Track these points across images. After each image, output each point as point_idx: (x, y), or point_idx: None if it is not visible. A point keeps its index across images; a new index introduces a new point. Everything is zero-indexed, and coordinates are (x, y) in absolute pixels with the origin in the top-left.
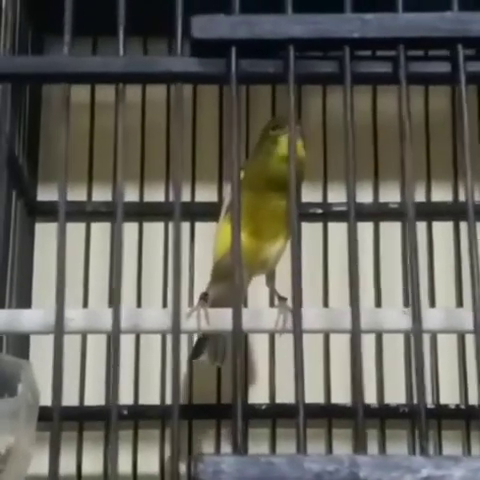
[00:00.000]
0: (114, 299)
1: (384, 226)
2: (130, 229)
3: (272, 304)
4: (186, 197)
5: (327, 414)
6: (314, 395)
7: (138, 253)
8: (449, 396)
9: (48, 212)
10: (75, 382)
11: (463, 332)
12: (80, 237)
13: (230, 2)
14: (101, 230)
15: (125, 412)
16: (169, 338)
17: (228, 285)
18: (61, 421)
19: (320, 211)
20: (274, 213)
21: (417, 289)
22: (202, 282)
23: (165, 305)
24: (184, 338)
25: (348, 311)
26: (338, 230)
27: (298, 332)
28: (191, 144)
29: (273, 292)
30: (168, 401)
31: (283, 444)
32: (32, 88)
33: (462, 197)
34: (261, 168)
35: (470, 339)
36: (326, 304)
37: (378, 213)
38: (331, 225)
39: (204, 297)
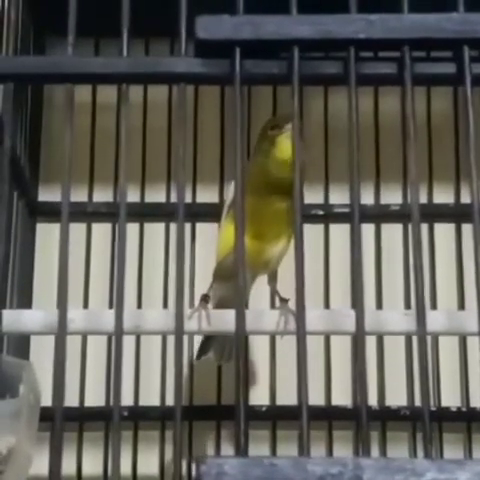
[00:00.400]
0: (117, 300)
1: (385, 228)
2: (131, 230)
3: (273, 305)
4: (187, 198)
5: (328, 416)
6: (315, 397)
7: (139, 254)
8: (450, 398)
9: (49, 212)
10: (75, 383)
11: (465, 334)
12: (81, 238)
13: (234, 3)
14: (102, 231)
15: (125, 413)
16: (170, 339)
17: (231, 286)
18: (61, 422)
19: (321, 212)
20: (275, 214)
21: (422, 292)
22: (203, 283)
23: (166, 306)
24: (185, 339)
25: (349, 313)
26: (339, 231)
27: (302, 334)
28: (193, 145)
29: (275, 293)
30: (168, 402)
31: (283, 446)
32: (34, 89)
33: (464, 199)
34: (260, 170)
35: (471, 341)
36: (327, 305)
37: (379, 215)
38: (332, 226)
39: (205, 298)
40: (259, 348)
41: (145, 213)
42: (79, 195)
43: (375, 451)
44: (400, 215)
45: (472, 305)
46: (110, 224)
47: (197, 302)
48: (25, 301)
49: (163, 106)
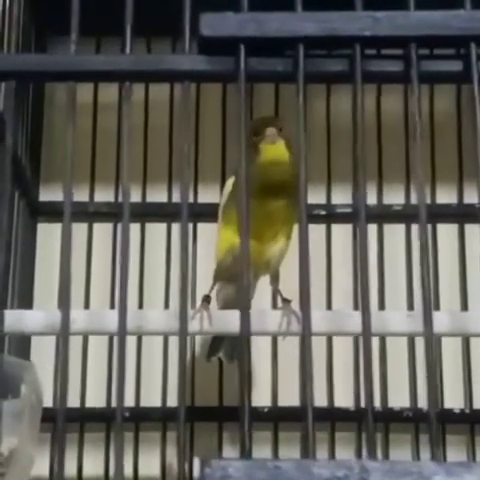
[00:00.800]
0: (120, 301)
1: (388, 228)
2: (132, 230)
3: (275, 305)
4: (189, 198)
5: (330, 417)
6: (317, 398)
7: (140, 254)
8: (454, 400)
9: (50, 212)
10: (76, 383)
11: (468, 335)
12: (82, 237)
13: (238, 0)
14: (103, 231)
15: (126, 414)
16: (171, 340)
17: (235, 287)
18: (64, 423)
19: (323, 213)
20: (271, 214)
21: (429, 293)
22: (205, 283)
23: (167, 306)
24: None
25: (352, 313)
26: (342, 232)
27: (307, 335)
28: (194, 144)
29: (277, 293)
30: (169, 403)
31: (285, 447)
32: (35, 88)
33: (467, 199)
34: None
35: (474, 342)
36: (329, 306)
37: (382, 215)
38: (334, 227)
39: (207, 299)
40: (261, 349)
41: (146, 213)
42: (80, 195)
43: (378, 453)
44: (403, 215)
45: (475, 306)
46: (111, 224)
47: (199, 302)
48: (26, 301)
49: (165, 105)
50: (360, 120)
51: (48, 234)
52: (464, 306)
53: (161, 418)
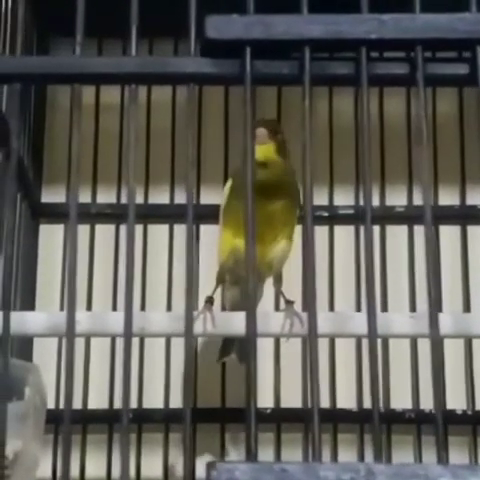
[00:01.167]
0: (126, 303)
1: (390, 229)
2: (135, 231)
3: (278, 307)
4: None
5: (333, 419)
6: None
7: (143, 255)
8: (456, 401)
9: (52, 214)
10: (79, 385)
11: (471, 337)
12: (85, 239)
13: (244, 2)
14: (105, 232)
15: (129, 415)
16: (174, 342)
17: (239, 288)
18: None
19: (326, 214)
20: (269, 216)
21: (435, 295)
22: (208, 285)
23: (170, 308)
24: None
25: (355, 315)
26: (344, 233)
27: (313, 336)
28: (197, 146)
29: (280, 295)
30: (172, 405)
31: (288, 448)
32: (37, 90)
33: (469, 201)
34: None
35: (477, 343)
36: (332, 307)
37: (385, 216)
38: (337, 228)
39: (210, 300)
40: (264, 350)
41: (149, 215)
42: (82, 196)
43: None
44: (405, 217)
45: (477, 307)
46: (114, 225)
47: (201, 304)
48: (28, 302)
49: (167, 106)
50: (366, 122)
51: (50, 235)
52: (466, 308)
53: (164, 419)
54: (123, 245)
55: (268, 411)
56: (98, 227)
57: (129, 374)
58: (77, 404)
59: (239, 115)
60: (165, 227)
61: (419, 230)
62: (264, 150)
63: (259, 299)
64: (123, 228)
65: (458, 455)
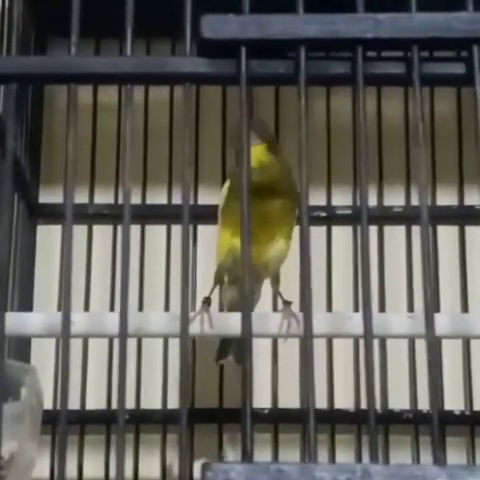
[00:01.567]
0: (121, 303)
1: (388, 230)
2: (132, 232)
3: (276, 307)
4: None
5: (330, 419)
6: (317, 400)
7: (140, 256)
8: (454, 402)
9: (50, 214)
10: (77, 385)
11: (469, 337)
12: (82, 239)
13: (240, 2)
14: (103, 233)
15: (127, 416)
16: (171, 342)
17: (237, 289)
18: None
19: (324, 214)
20: (266, 217)
21: (431, 295)
22: (205, 285)
23: (167, 308)
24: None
25: (352, 315)
26: (342, 233)
27: (308, 339)
28: (194, 146)
29: (277, 295)
30: (170, 405)
31: (285, 449)
32: (34, 90)
33: (468, 201)
34: (235, 177)
35: (475, 344)
36: (329, 308)
37: (382, 216)
38: (335, 228)
39: (207, 301)
40: (261, 351)
41: (146, 215)
42: (80, 197)
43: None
44: (403, 217)
45: (476, 308)
46: (111, 226)
47: (199, 305)
48: (26, 303)
49: (165, 106)
50: (362, 122)
51: (48, 236)
52: (464, 308)
53: (161, 420)
54: (121, 246)
55: (266, 411)
56: (96, 228)
57: (124, 375)
58: (75, 405)
59: (237, 114)
60: (163, 228)
61: (417, 230)
62: (256, 152)
63: (257, 299)
64: (121, 229)
65: (456, 455)
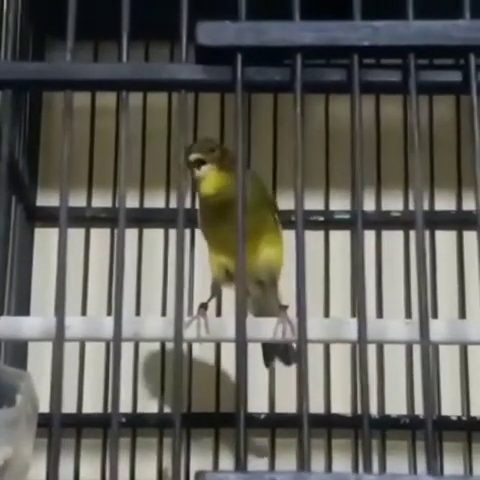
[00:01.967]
0: (115, 307)
1: (386, 234)
2: (130, 235)
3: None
4: (186, 204)
5: (327, 424)
6: (314, 405)
7: (138, 260)
8: (451, 407)
9: (47, 217)
10: (73, 389)
11: (466, 343)
12: (79, 243)
13: (236, 8)
14: (100, 236)
15: (123, 420)
16: (168, 346)
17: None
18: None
19: (322, 219)
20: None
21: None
22: (202, 289)
23: (164, 312)
24: (183, 347)
25: (350, 321)
26: (340, 238)
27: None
28: None
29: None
30: (166, 409)
31: (282, 454)
32: (32, 94)
33: (466, 206)
34: (200, 200)
35: (472, 350)
36: (327, 313)
37: (380, 221)
38: (332, 233)
39: (204, 306)
40: (257, 355)
41: (144, 219)
42: (78, 200)
43: (374, 460)
44: (401, 222)
45: (473, 314)
46: (109, 229)
47: (196, 309)
48: (23, 306)
49: (162, 111)
50: (358, 130)
51: (45, 239)
52: (462, 314)
53: (158, 424)
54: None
55: (262, 416)
56: (93, 231)
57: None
58: (72, 408)
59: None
60: (160, 231)
61: (415, 235)
62: (208, 180)
63: (265, 307)
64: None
65: (453, 461)
